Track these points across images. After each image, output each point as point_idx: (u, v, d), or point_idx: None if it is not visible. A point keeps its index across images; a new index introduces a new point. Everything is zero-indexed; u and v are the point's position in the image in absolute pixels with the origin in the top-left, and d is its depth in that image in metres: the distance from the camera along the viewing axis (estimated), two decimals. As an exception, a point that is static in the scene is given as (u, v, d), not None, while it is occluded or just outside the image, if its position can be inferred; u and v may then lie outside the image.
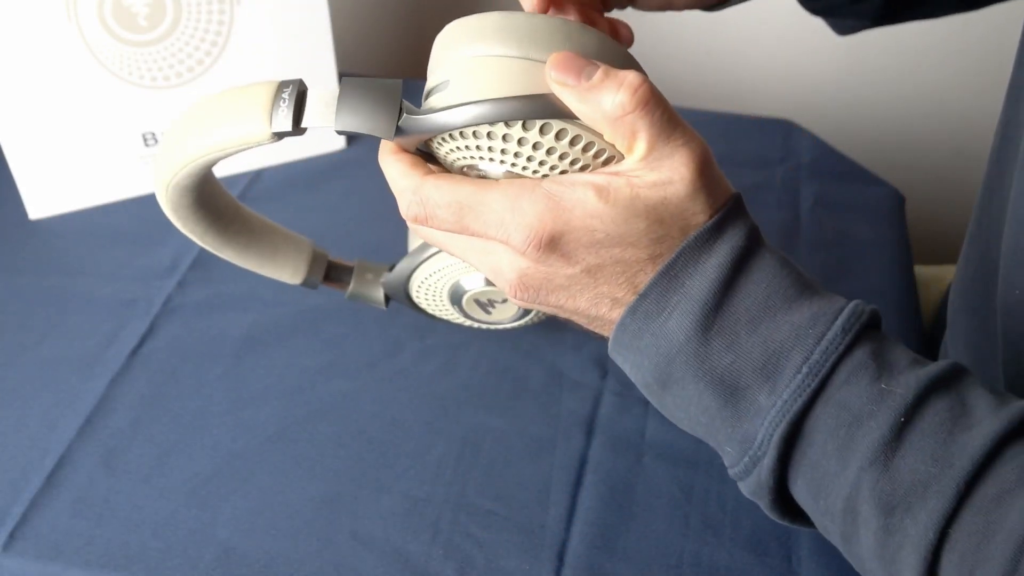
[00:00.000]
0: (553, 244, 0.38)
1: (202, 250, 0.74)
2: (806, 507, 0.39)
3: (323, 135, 0.84)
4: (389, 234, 0.75)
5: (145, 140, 0.77)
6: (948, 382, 0.37)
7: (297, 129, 0.39)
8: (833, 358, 0.37)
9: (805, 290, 0.38)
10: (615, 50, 0.40)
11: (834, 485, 0.37)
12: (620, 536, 0.53)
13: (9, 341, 0.65)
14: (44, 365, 0.63)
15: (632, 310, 0.39)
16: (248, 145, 0.41)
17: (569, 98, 0.37)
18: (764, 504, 0.40)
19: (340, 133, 0.39)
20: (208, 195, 0.48)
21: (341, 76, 0.82)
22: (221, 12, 0.74)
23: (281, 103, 0.39)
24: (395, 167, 0.40)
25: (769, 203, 0.80)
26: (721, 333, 0.38)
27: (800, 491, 0.39)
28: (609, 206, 0.37)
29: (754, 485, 0.39)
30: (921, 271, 0.79)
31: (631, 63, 0.40)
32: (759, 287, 0.38)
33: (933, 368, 0.37)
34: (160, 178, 0.45)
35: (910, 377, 0.36)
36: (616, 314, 0.40)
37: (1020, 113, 0.48)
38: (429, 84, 0.40)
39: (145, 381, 0.62)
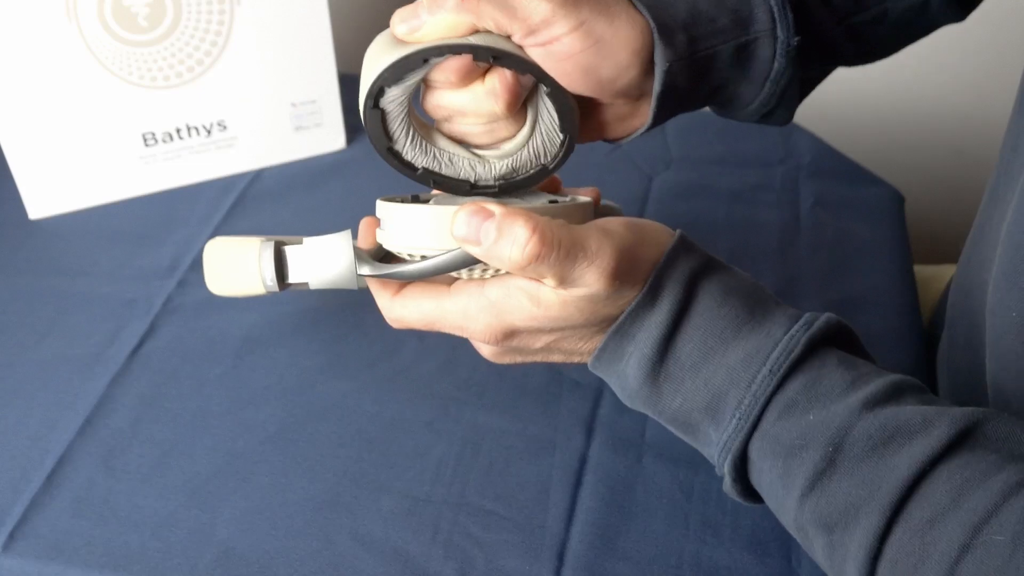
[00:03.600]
0: (509, 336, 0.44)
1: (202, 250, 0.74)
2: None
3: (323, 135, 0.84)
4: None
5: (145, 140, 0.77)
6: (883, 402, 0.39)
7: (285, 287, 0.48)
8: (762, 401, 0.40)
9: (743, 326, 0.42)
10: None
11: (784, 507, 0.41)
12: (620, 536, 0.53)
13: (9, 341, 0.65)
14: (44, 365, 0.63)
15: (596, 358, 0.45)
16: (256, 295, 0.49)
17: (476, 253, 0.41)
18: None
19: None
20: None
21: (341, 77, 0.82)
22: (221, 12, 0.74)
23: (265, 264, 0.47)
24: (371, 287, 0.48)
25: (769, 203, 0.80)
26: (668, 379, 0.43)
27: (768, 504, 0.43)
28: (543, 309, 0.43)
29: (733, 495, 0.45)
30: (921, 271, 0.79)
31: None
32: (697, 333, 0.42)
33: (866, 392, 0.40)
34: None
35: (840, 406, 0.39)
36: (587, 358, 0.46)
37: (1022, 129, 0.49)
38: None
39: (145, 381, 0.62)
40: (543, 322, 0.43)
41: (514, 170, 0.48)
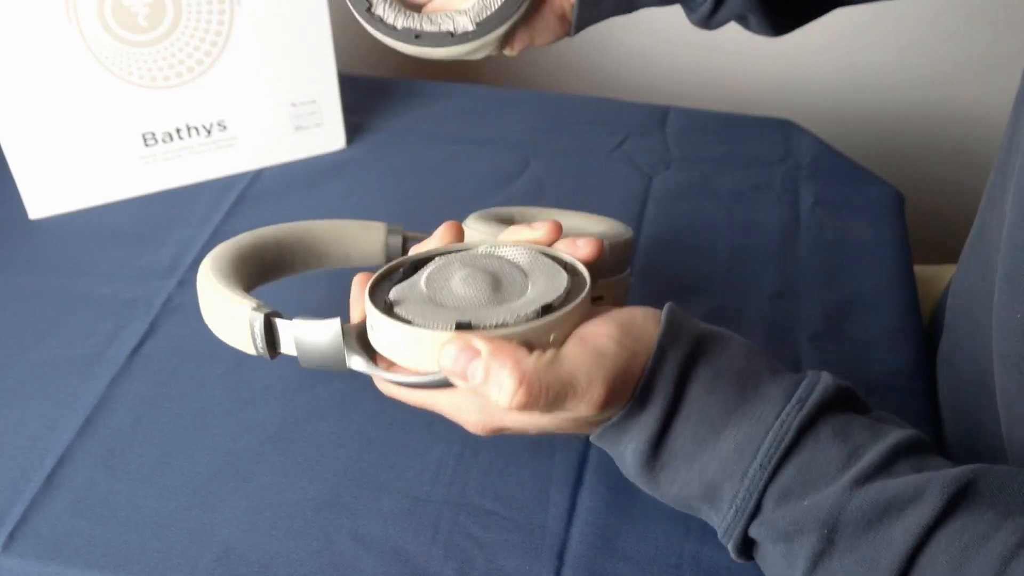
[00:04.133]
0: (499, 430, 0.44)
1: (202, 250, 0.74)
2: None
3: (323, 135, 0.84)
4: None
5: (145, 140, 0.77)
6: (874, 475, 0.39)
7: (277, 355, 0.47)
8: (756, 494, 0.41)
9: (732, 414, 0.42)
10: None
11: None
12: (620, 536, 0.53)
13: (9, 341, 0.65)
14: (44, 365, 0.63)
15: (594, 441, 0.46)
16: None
17: (463, 388, 0.41)
18: None
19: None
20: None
21: (341, 77, 0.82)
22: (221, 12, 0.74)
23: (256, 334, 0.46)
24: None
25: (769, 203, 0.80)
26: (664, 469, 0.43)
27: None
28: (534, 419, 0.43)
29: (741, 562, 0.45)
30: (921, 271, 0.79)
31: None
32: (688, 425, 0.42)
33: (858, 468, 0.39)
34: None
35: (833, 488, 0.39)
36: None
37: (1020, 130, 0.49)
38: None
39: (145, 381, 0.62)
40: (533, 427, 0.44)
41: (486, 6, 0.51)
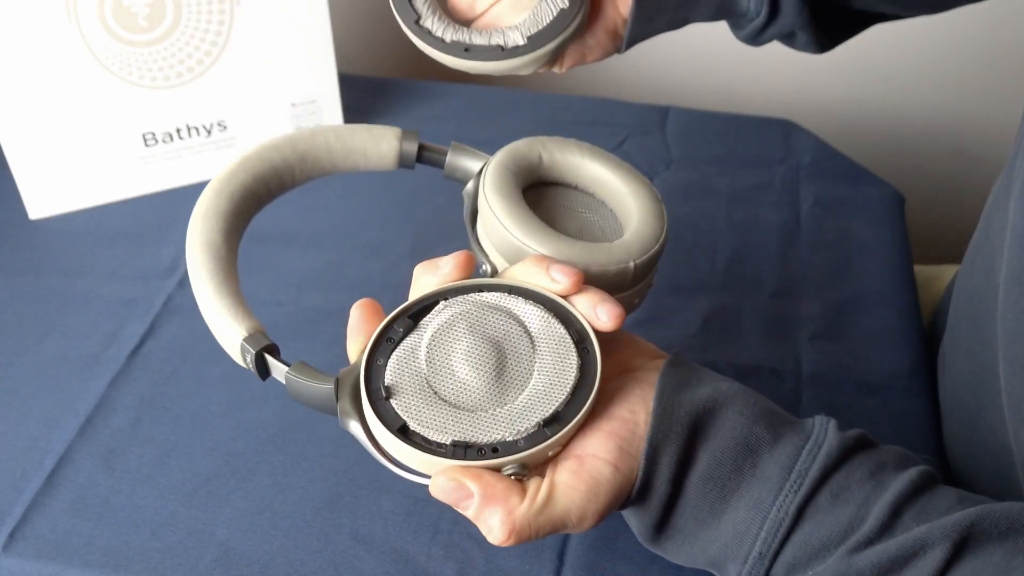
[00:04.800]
0: (520, 535, 0.41)
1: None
2: None
3: (323, 135, 0.84)
4: (389, 234, 0.76)
5: (145, 140, 0.77)
6: (878, 537, 0.38)
7: (267, 377, 0.45)
8: (761, 573, 0.41)
9: (730, 496, 0.41)
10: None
11: None
12: (620, 536, 0.53)
13: (9, 341, 0.65)
14: (44, 365, 0.63)
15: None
16: None
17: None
18: None
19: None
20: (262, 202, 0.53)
21: (341, 77, 0.82)
22: (221, 12, 0.74)
23: (248, 360, 0.44)
24: None
25: (769, 203, 0.80)
26: (669, 541, 0.43)
27: None
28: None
29: None
30: (921, 271, 0.79)
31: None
32: (688, 508, 0.41)
33: (860, 534, 0.38)
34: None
35: (834, 559, 0.39)
36: None
37: None
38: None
39: (145, 381, 0.62)
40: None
41: (537, 21, 0.50)
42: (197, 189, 0.80)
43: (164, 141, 0.78)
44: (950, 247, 0.78)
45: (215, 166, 0.81)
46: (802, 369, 0.65)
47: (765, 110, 0.95)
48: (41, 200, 0.76)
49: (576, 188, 0.52)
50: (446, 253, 0.45)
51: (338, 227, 0.76)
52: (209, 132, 0.79)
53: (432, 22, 0.50)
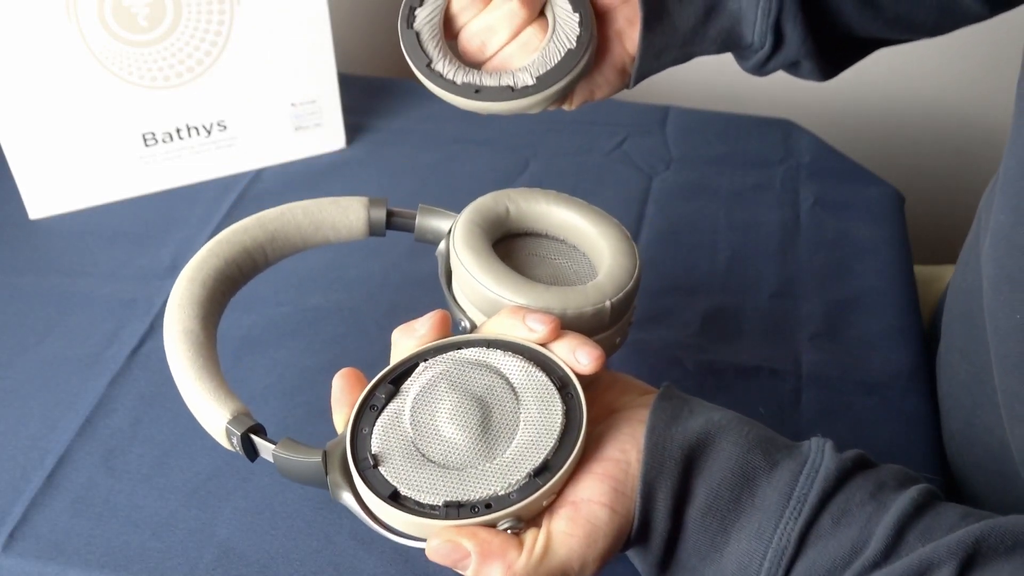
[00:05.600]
0: None
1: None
2: None
3: (323, 134, 0.84)
4: (388, 234, 0.75)
5: (145, 140, 0.77)
6: (883, 560, 0.38)
7: (255, 459, 0.44)
8: None
9: (731, 528, 0.40)
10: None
11: None
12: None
13: (9, 341, 0.65)
14: (44, 365, 0.63)
15: None
16: None
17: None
18: None
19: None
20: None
21: (341, 77, 0.82)
22: (221, 12, 0.74)
23: (234, 442, 0.43)
24: None
25: (769, 203, 0.80)
26: (675, 574, 0.42)
27: None
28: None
29: None
30: (921, 271, 0.79)
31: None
32: (689, 543, 0.41)
33: (866, 558, 0.38)
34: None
35: None
36: None
37: (1016, 132, 0.48)
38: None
39: (145, 381, 0.62)
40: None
41: (546, 61, 0.51)
42: (197, 189, 0.80)
43: (164, 141, 0.78)
44: (950, 247, 0.78)
45: (215, 166, 0.81)
46: (802, 369, 0.65)
47: (765, 110, 0.95)
48: (41, 200, 0.76)
49: (546, 236, 0.53)
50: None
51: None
52: (209, 132, 0.79)
53: (443, 65, 0.51)
